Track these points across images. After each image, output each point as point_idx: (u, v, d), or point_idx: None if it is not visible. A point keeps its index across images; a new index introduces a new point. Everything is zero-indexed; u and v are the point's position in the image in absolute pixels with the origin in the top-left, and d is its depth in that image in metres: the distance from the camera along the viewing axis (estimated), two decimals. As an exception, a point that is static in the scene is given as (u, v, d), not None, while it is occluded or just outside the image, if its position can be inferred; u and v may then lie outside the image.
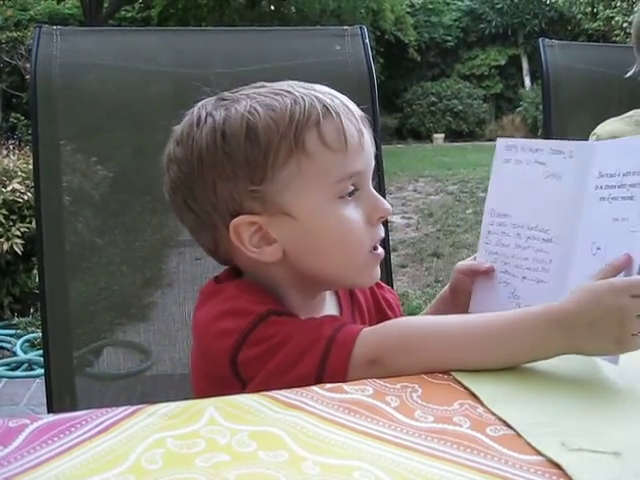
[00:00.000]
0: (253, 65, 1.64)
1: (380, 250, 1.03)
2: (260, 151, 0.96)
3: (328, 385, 0.84)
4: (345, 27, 1.64)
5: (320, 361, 0.91)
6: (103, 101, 1.64)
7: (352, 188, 0.99)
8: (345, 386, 0.83)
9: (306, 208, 0.98)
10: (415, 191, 8.61)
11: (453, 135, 14.98)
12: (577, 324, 0.89)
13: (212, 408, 0.78)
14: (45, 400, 3.18)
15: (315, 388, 0.83)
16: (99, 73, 1.62)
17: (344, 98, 1.02)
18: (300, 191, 0.97)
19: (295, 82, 1.03)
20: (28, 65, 5.65)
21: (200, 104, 1.03)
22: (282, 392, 0.82)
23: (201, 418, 0.76)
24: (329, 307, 1.11)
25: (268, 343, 0.92)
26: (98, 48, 1.66)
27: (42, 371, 3.46)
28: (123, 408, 0.79)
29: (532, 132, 14.97)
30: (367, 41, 1.63)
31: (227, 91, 1.03)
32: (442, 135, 14.95)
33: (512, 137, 1.17)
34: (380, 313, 1.19)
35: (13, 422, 0.77)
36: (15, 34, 7.50)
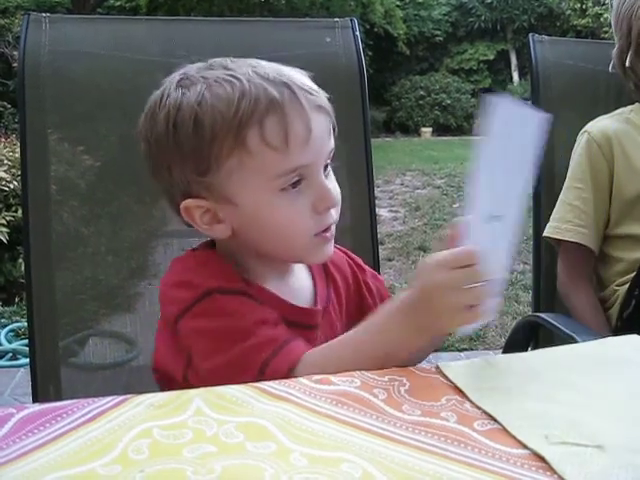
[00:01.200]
0: (243, 55, 1.63)
1: (329, 233, 1.06)
2: (205, 144, 1.00)
3: (315, 376, 0.84)
4: (336, 19, 1.64)
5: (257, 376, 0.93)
6: (90, 90, 1.62)
7: (296, 179, 1.01)
8: (332, 377, 0.83)
9: (247, 199, 1.02)
10: (402, 185, 8.61)
11: (441, 129, 14.97)
12: (419, 306, 0.91)
13: (198, 399, 0.78)
14: (30, 390, 3.17)
15: (302, 379, 0.83)
16: (88, 62, 1.61)
17: (303, 82, 1.03)
18: (241, 183, 1.01)
19: (259, 63, 1.05)
20: (15, 53, 5.63)
21: (172, 75, 1.07)
22: (269, 383, 0.82)
23: (188, 409, 0.76)
24: (300, 275, 1.15)
25: (205, 321, 0.99)
26: (87, 36, 1.64)
27: (26, 361, 3.46)
28: (110, 398, 0.79)
29: (519, 127, 15.01)
30: (357, 33, 1.63)
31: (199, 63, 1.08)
32: (430, 129, 14.94)
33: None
34: (359, 296, 1.22)
35: (-1, 411, 0.77)
36: (2, 21, 7.43)
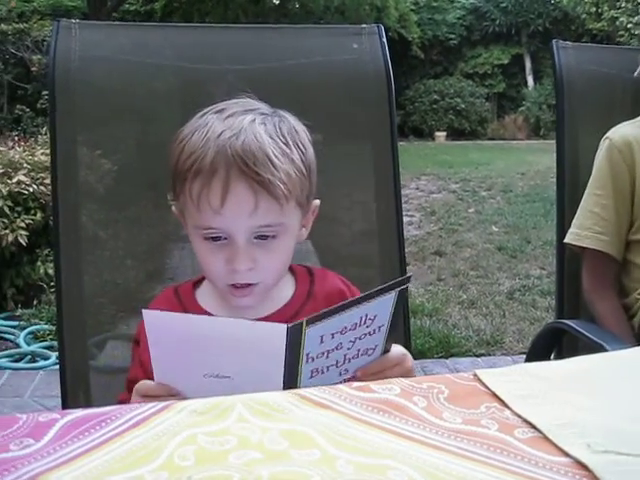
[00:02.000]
0: (271, 62, 1.64)
1: (242, 290, 1.15)
2: (175, 176, 1.15)
3: (355, 384, 0.84)
4: (363, 25, 1.64)
5: None
6: (116, 95, 1.63)
7: (218, 235, 1.13)
8: (372, 385, 0.84)
9: (189, 233, 1.19)
10: (417, 189, 8.61)
11: (455, 133, 14.96)
12: None
13: (240, 405, 0.78)
14: (49, 392, 3.19)
15: (343, 387, 0.83)
16: (113, 67, 1.62)
17: (257, 154, 1.09)
18: (186, 220, 1.18)
19: (244, 117, 1.14)
20: (34, 57, 5.65)
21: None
22: (310, 390, 0.82)
23: (230, 415, 0.77)
24: (283, 287, 1.24)
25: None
26: (113, 42, 1.65)
27: (45, 363, 3.48)
28: (152, 404, 0.79)
29: (534, 132, 14.97)
30: (384, 40, 1.63)
31: (242, 92, 1.22)
32: (444, 133, 14.93)
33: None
34: None
35: (43, 416, 0.77)
36: (20, 26, 7.46)
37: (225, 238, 1.13)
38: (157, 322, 0.96)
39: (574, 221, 1.86)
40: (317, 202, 1.25)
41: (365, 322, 0.99)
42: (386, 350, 1.07)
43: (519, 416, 0.80)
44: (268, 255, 1.14)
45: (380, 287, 0.98)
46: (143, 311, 0.94)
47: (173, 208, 1.23)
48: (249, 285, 1.15)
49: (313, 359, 0.97)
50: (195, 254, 1.18)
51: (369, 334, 1.01)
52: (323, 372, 1.00)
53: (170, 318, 0.97)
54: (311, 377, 0.99)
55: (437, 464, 0.70)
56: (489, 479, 0.68)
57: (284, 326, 0.91)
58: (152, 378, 1.02)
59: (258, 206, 1.10)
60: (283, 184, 1.09)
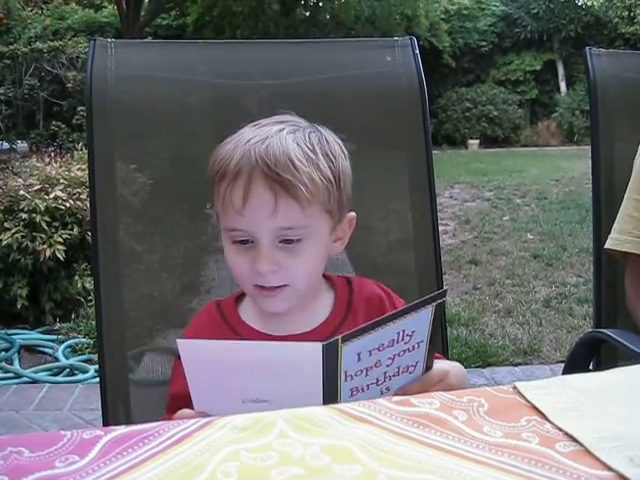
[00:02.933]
0: (304, 76, 1.65)
1: (268, 292, 1.17)
2: (210, 182, 1.19)
3: (395, 398, 0.84)
4: (395, 38, 1.64)
5: None
6: (152, 111, 1.65)
7: (245, 239, 1.16)
8: (412, 399, 0.84)
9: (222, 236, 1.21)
10: (451, 197, 8.58)
11: (488, 141, 14.89)
12: None
13: (282, 421, 0.79)
14: (88, 405, 3.22)
15: (382, 401, 0.83)
16: (149, 84, 1.64)
17: (280, 158, 1.12)
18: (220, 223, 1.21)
19: (273, 127, 1.18)
20: (69, 74, 5.72)
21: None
22: (350, 405, 0.82)
23: (272, 430, 0.77)
24: (322, 300, 1.26)
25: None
26: (147, 60, 1.67)
27: (84, 376, 3.52)
28: (194, 420, 0.80)
29: (568, 138, 14.85)
30: (417, 52, 1.63)
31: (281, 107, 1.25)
32: (477, 141, 14.86)
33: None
34: None
35: (87, 433, 0.78)
36: (56, 43, 7.57)
37: (251, 242, 1.15)
38: (192, 351, 0.97)
39: (614, 226, 1.84)
40: (353, 214, 1.25)
41: (403, 338, 0.99)
42: (428, 367, 1.07)
43: (560, 429, 0.79)
44: (292, 259, 1.15)
45: (415, 302, 0.98)
46: (177, 341, 0.96)
47: (213, 219, 1.27)
48: (276, 288, 1.17)
49: (352, 377, 0.97)
50: (225, 258, 1.21)
51: (408, 350, 1.01)
52: (364, 390, 1.00)
53: (205, 346, 0.98)
54: (351, 396, 0.98)
55: (478, 478, 0.69)
56: (531, 494, 0.68)
57: (319, 345, 0.91)
58: None
59: (278, 207, 1.11)
60: (304, 186, 1.11)
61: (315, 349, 0.91)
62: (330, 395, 0.95)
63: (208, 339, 1.00)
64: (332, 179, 1.16)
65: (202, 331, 1.24)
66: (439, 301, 0.99)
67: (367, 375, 0.99)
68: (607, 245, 1.84)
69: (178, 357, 1.24)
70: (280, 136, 1.15)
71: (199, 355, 0.96)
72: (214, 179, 1.17)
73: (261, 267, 1.14)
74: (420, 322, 0.99)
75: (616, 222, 1.84)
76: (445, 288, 1.04)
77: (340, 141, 1.22)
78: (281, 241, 1.14)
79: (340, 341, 0.92)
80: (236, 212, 1.13)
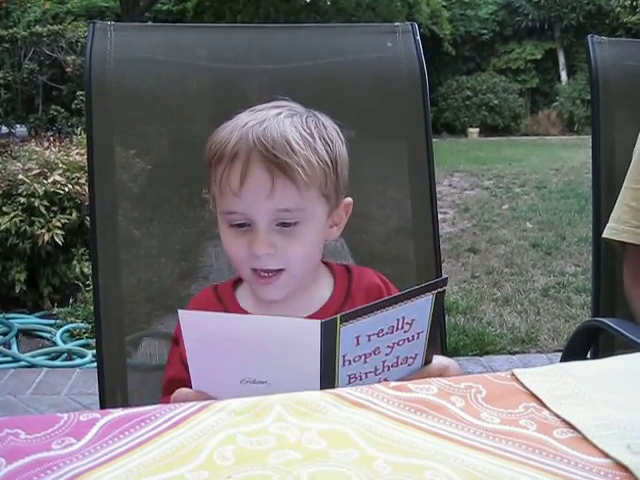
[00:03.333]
0: (304, 61, 1.64)
1: (266, 277, 1.17)
2: (207, 167, 1.20)
3: (393, 383, 0.84)
4: (396, 24, 1.64)
5: None
6: (152, 95, 1.65)
7: (242, 222, 1.16)
8: (409, 385, 0.84)
9: (218, 220, 1.21)
10: (450, 186, 8.57)
11: (488, 130, 14.86)
12: None
13: (279, 405, 0.79)
14: (86, 389, 3.23)
15: (380, 387, 0.83)
16: (149, 68, 1.63)
17: (278, 140, 1.12)
18: (216, 208, 1.21)
19: (270, 111, 1.18)
20: (68, 58, 5.70)
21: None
22: (348, 390, 0.82)
23: (269, 415, 0.77)
24: (321, 286, 1.26)
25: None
26: (147, 43, 1.66)
27: (82, 361, 3.53)
28: (191, 404, 0.80)
29: (568, 127, 14.83)
30: (418, 38, 1.62)
31: (280, 96, 1.23)
32: (477, 129, 14.84)
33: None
34: None
35: (83, 416, 0.78)
36: (56, 27, 7.54)
37: (248, 225, 1.15)
38: (193, 322, 0.97)
39: (612, 215, 1.83)
40: (349, 200, 1.26)
41: (402, 326, 0.98)
42: (427, 361, 1.07)
43: (558, 416, 0.79)
44: (289, 242, 1.15)
45: (416, 287, 0.98)
46: (179, 311, 0.95)
47: (210, 205, 1.25)
48: (273, 273, 1.17)
49: (350, 362, 0.97)
50: (222, 243, 1.21)
51: (408, 340, 1.00)
52: (361, 379, 1.00)
53: (205, 317, 0.97)
54: (349, 383, 0.98)
55: (475, 464, 0.69)
56: (528, 479, 0.68)
57: (318, 322, 0.91)
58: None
59: (275, 188, 1.12)
60: (301, 168, 1.11)
61: (314, 326, 0.91)
62: (328, 377, 0.94)
63: None
64: (329, 163, 1.16)
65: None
66: (440, 289, 0.99)
67: (365, 362, 0.99)
68: (605, 234, 1.83)
69: (174, 342, 1.25)
70: (278, 119, 1.15)
71: (199, 326, 0.96)
72: (211, 162, 1.17)
73: (258, 249, 1.14)
74: (420, 310, 0.99)
75: (614, 211, 1.83)
76: (446, 276, 1.03)
77: (337, 127, 1.22)
78: (278, 224, 1.14)
79: (339, 320, 0.92)
80: (233, 194, 1.13)
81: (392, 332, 0.98)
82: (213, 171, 1.17)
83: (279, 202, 1.13)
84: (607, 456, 0.72)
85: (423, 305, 0.98)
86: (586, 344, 1.80)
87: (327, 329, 0.91)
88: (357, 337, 0.95)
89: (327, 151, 1.16)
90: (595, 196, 1.96)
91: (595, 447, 0.73)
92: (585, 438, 0.75)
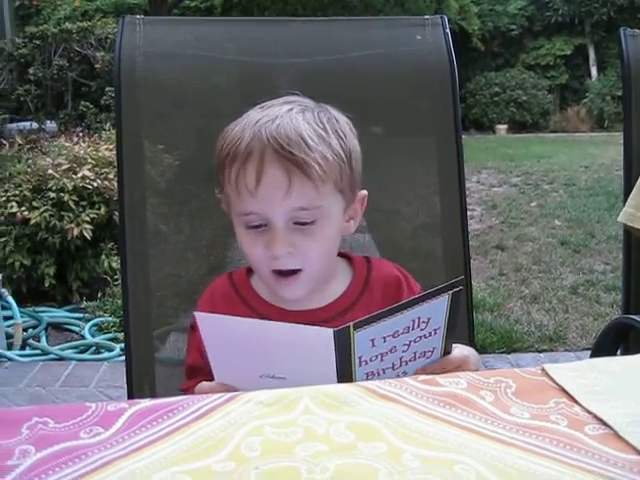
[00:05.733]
0: (333, 55, 1.63)
1: (285, 277, 1.16)
2: (217, 167, 1.18)
3: (422, 377, 0.84)
4: (426, 17, 1.62)
5: None
6: (180, 89, 1.65)
7: (258, 223, 1.14)
8: (439, 379, 0.83)
9: (234, 223, 1.20)
10: (478, 182, 8.50)
11: (516, 126, 14.73)
12: None
13: (307, 397, 0.78)
14: (113, 382, 3.25)
15: (409, 380, 0.83)
16: (178, 62, 1.63)
17: (292, 137, 1.11)
18: (229, 209, 1.20)
19: (281, 108, 1.16)
20: (97, 54, 5.74)
21: None
22: (377, 383, 0.82)
23: (296, 407, 0.77)
24: (340, 276, 1.25)
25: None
26: (176, 37, 1.66)
27: (110, 354, 3.55)
28: (218, 395, 0.80)
29: (597, 124, 14.67)
30: (447, 31, 1.61)
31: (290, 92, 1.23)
32: (505, 126, 14.71)
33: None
34: None
35: (111, 406, 0.79)
36: (85, 24, 7.59)
37: (265, 225, 1.14)
38: (209, 324, 0.97)
39: (629, 201, 1.80)
40: (364, 193, 1.25)
41: (419, 325, 0.98)
42: (447, 352, 1.06)
43: (589, 412, 0.78)
44: (307, 241, 1.14)
45: (431, 290, 0.97)
46: (195, 314, 0.96)
47: (222, 205, 1.25)
48: (292, 273, 1.15)
49: (367, 362, 0.97)
50: (239, 245, 1.20)
51: (424, 337, 1.00)
52: (379, 374, 0.99)
53: (222, 321, 0.97)
54: (367, 379, 0.98)
55: (505, 459, 0.69)
56: (559, 475, 0.67)
57: (330, 331, 0.90)
58: (210, 365, 1.03)
59: (292, 186, 1.10)
60: (318, 164, 1.10)
61: (326, 334, 0.90)
62: (345, 378, 0.94)
63: (223, 313, 1.00)
64: (344, 157, 1.15)
65: (216, 303, 1.25)
66: (455, 290, 0.98)
67: (382, 360, 0.98)
68: (621, 219, 1.80)
69: (192, 329, 1.25)
70: (290, 115, 1.14)
71: (216, 328, 0.97)
72: (223, 162, 1.15)
73: (277, 250, 1.13)
74: (436, 310, 0.98)
75: (631, 197, 1.80)
76: (461, 277, 1.02)
77: (348, 120, 1.21)
78: (295, 223, 1.13)
79: (352, 328, 0.91)
80: (249, 194, 1.12)
81: (408, 332, 0.98)
82: (227, 172, 1.15)
83: (296, 200, 1.11)
84: (639, 453, 0.71)
85: (439, 305, 0.98)
86: (616, 342, 1.78)
87: (340, 337, 0.91)
88: (372, 340, 0.95)
89: (341, 145, 1.15)
90: (626, 193, 1.93)
91: (627, 444, 0.73)
92: (617, 434, 0.74)
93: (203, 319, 0.96)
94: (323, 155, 1.11)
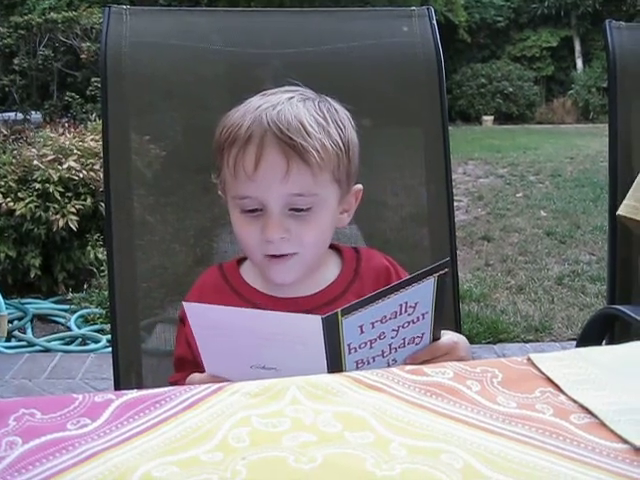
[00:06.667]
0: (319, 46, 1.63)
1: (278, 260, 1.16)
2: (216, 151, 1.20)
3: (408, 367, 0.84)
4: (412, 8, 1.62)
5: None
6: (165, 80, 1.64)
7: (254, 207, 1.15)
8: (425, 368, 0.83)
9: (229, 208, 1.21)
10: (464, 174, 8.52)
11: (503, 118, 14.78)
12: None
13: (294, 387, 0.79)
14: (100, 374, 3.25)
15: (396, 370, 0.83)
16: (163, 52, 1.62)
17: (292, 123, 1.12)
18: (226, 193, 1.21)
19: (283, 95, 1.18)
20: (83, 44, 5.71)
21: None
22: (363, 373, 0.82)
23: (284, 397, 0.77)
24: (329, 266, 1.26)
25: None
26: (165, 28, 1.66)
27: (96, 346, 3.55)
28: (206, 386, 0.80)
29: (583, 115, 14.73)
30: (434, 22, 1.61)
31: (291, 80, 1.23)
32: (491, 117, 14.76)
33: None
34: None
35: (98, 397, 0.78)
36: (70, 14, 7.54)
37: (260, 210, 1.14)
38: (198, 314, 0.97)
39: (629, 194, 1.80)
40: (359, 187, 1.25)
41: (406, 310, 0.98)
42: (436, 338, 1.06)
43: (574, 401, 0.79)
44: (302, 227, 1.15)
45: (416, 273, 0.97)
46: (184, 304, 0.96)
47: (219, 191, 1.25)
48: (283, 256, 1.16)
49: (356, 349, 0.97)
50: (234, 230, 1.21)
51: (412, 322, 1.00)
52: (369, 362, 0.99)
53: (209, 310, 0.97)
54: (357, 368, 0.98)
55: (492, 448, 0.69)
56: (544, 464, 0.67)
57: (318, 317, 0.90)
58: (199, 357, 1.03)
59: (290, 171, 1.11)
60: (316, 151, 1.11)
61: (315, 321, 0.91)
62: (335, 367, 0.94)
63: (213, 303, 1.00)
64: (342, 147, 1.16)
65: (205, 294, 1.25)
66: (441, 272, 0.98)
67: (371, 347, 0.99)
68: (620, 211, 1.80)
69: (181, 321, 1.25)
70: (291, 103, 1.15)
71: (204, 318, 0.96)
72: (222, 146, 1.17)
73: (271, 234, 1.13)
74: (423, 294, 0.98)
75: (632, 190, 1.80)
76: (447, 259, 1.02)
77: (347, 112, 1.21)
78: (291, 209, 1.14)
79: (340, 314, 0.91)
80: (247, 177, 1.13)
81: (395, 317, 0.98)
82: (226, 155, 1.16)
83: (293, 186, 1.12)
84: (625, 441, 0.72)
85: (425, 289, 0.98)
86: (602, 332, 1.79)
87: (328, 324, 0.91)
88: (360, 326, 0.95)
89: (340, 135, 1.16)
90: (612, 184, 1.94)
91: (612, 432, 0.73)
92: (602, 423, 0.75)
93: (191, 309, 0.96)
94: (322, 143, 1.12)
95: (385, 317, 0.97)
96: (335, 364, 0.95)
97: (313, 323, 0.91)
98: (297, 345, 0.94)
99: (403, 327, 1.00)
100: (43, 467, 0.66)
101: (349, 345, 0.95)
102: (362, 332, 0.96)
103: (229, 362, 0.99)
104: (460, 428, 0.72)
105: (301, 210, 1.14)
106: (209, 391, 0.79)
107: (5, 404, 0.77)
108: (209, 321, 0.96)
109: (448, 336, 1.09)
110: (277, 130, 1.11)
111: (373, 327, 0.96)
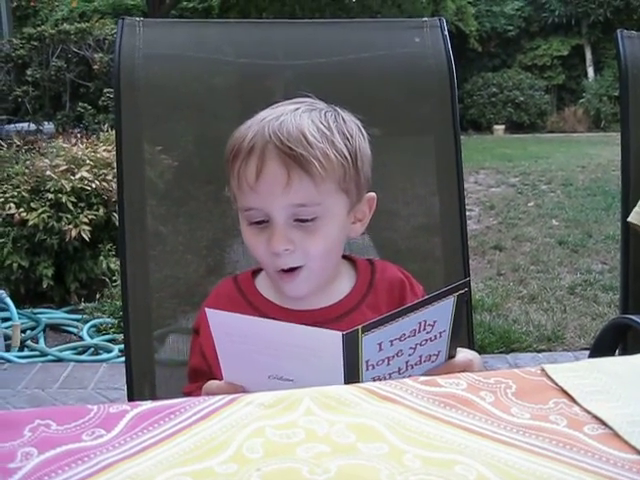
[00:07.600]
0: (331, 57, 1.64)
1: (289, 274, 1.17)
2: (225, 164, 1.20)
3: (422, 378, 0.84)
4: (424, 19, 1.63)
5: None
6: (178, 91, 1.65)
7: (261, 219, 1.15)
8: (439, 379, 0.83)
9: (240, 218, 1.21)
10: (476, 183, 8.51)
11: (514, 127, 14.75)
12: None
13: (308, 399, 0.79)
14: (112, 384, 3.25)
15: (409, 381, 0.83)
16: (176, 64, 1.64)
17: (294, 134, 1.12)
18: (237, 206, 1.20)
19: (287, 107, 1.18)
20: (95, 55, 5.74)
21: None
22: (377, 384, 0.82)
23: (298, 408, 0.77)
24: (344, 278, 1.26)
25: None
26: (178, 40, 1.67)
27: (108, 355, 3.55)
28: (220, 397, 0.80)
29: (594, 124, 14.69)
30: (446, 33, 1.61)
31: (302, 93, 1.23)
32: (502, 126, 14.74)
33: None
34: None
35: (113, 408, 0.79)
36: (83, 25, 7.58)
37: (267, 221, 1.15)
38: (219, 321, 0.97)
39: None
40: (372, 195, 1.25)
41: (425, 328, 0.98)
42: (451, 356, 1.06)
43: (588, 412, 0.79)
44: (307, 238, 1.15)
45: (437, 292, 0.97)
46: (207, 310, 0.96)
47: (232, 203, 1.25)
48: (293, 270, 1.16)
49: (374, 366, 0.97)
50: (244, 241, 1.21)
51: (430, 340, 1.00)
52: (385, 379, 0.99)
53: (231, 318, 0.98)
54: None
55: (506, 459, 0.69)
56: (558, 475, 0.67)
57: (339, 334, 0.90)
58: (213, 367, 1.04)
59: (291, 182, 1.11)
60: (318, 161, 1.11)
61: (335, 337, 0.91)
62: (352, 382, 0.94)
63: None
64: (348, 157, 1.15)
65: (220, 305, 1.24)
66: (461, 292, 0.98)
67: (389, 364, 0.99)
68: (631, 219, 1.79)
69: (195, 332, 1.25)
70: (295, 114, 1.15)
71: (226, 326, 0.97)
72: (229, 158, 1.17)
73: (275, 246, 1.13)
74: (442, 312, 0.98)
75: None
76: (468, 278, 1.03)
77: (358, 122, 1.21)
78: (296, 220, 1.14)
79: (360, 331, 0.91)
80: (250, 188, 1.13)
81: (414, 335, 0.98)
82: (232, 167, 1.17)
83: (295, 196, 1.12)
84: (639, 452, 0.71)
85: (445, 308, 0.98)
86: (614, 341, 1.78)
87: (349, 340, 0.91)
88: (380, 343, 0.95)
89: (346, 145, 1.15)
90: (624, 193, 1.93)
91: (626, 443, 0.73)
92: (616, 434, 0.75)
93: (213, 316, 0.96)
94: (324, 153, 1.12)
95: (404, 335, 0.97)
96: (352, 380, 0.95)
97: (334, 339, 0.91)
98: (316, 359, 0.95)
99: (421, 345, 1.00)
100: (59, 478, 0.67)
101: (367, 362, 0.96)
102: (381, 349, 0.96)
103: (247, 371, 1.00)
104: (474, 439, 0.72)
105: (306, 221, 1.14)
106: (223, 402, 0.79)
107: (20, 415, 0.78)
108: (230, 329, 0.97)
109: (463, 354, 1.09)
110: (277, 141, 1.11)
111: (392, 345, 0.97)
